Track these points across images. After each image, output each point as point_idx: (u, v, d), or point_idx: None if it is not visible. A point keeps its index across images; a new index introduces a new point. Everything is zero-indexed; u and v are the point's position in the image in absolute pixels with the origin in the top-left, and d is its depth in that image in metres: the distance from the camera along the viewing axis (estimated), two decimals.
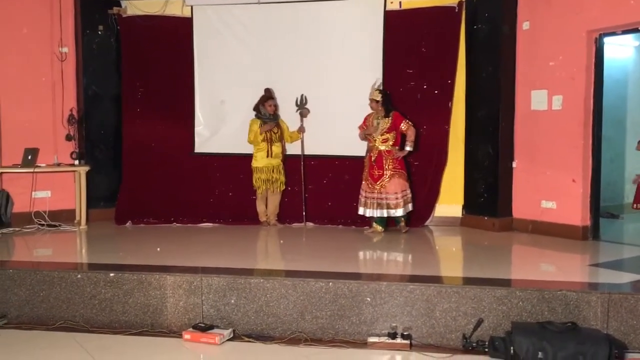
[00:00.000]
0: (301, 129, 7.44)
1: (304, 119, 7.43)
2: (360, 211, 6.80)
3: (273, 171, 7.21)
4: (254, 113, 7.24)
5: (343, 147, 7.42)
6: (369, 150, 6.78)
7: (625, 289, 4.23)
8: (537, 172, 6.61)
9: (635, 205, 7.01)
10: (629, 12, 5.72)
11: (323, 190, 7.50)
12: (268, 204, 7.33)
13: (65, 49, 7.61)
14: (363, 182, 6.80)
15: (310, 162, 7.57)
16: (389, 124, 6.63)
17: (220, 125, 7.76)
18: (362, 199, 6.77)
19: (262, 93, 7.37)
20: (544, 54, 6.51)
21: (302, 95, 7.39)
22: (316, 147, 7.53)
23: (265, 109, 7.12)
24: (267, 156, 7.14)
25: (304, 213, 7.43)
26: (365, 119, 6.82)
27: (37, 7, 7.44)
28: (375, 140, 6.65)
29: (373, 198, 6.65)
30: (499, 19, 6.86)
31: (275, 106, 7.23)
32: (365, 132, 6.75)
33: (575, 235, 6.19)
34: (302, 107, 7.42)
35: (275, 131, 7.21)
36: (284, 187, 7.37)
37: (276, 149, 7.21)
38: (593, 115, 6.18)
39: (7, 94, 7.30)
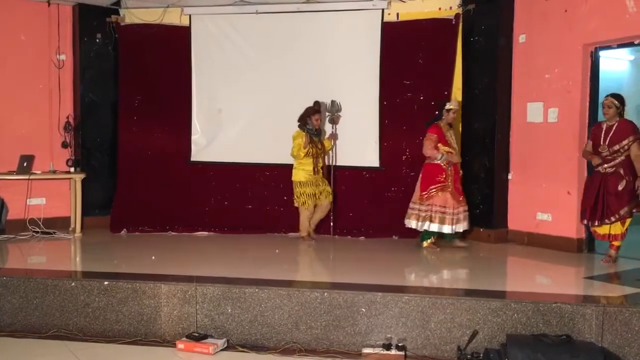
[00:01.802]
0: (332, 136, 7.27)
1: (336, 125, 7.28)
2: (437, 228, 6.31)
3: (318, 184, 6.95)
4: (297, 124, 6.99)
5: (339, 157, 7.43)
6: (447, 163, 6.35)
7: (620, 301, 4.23)
8: (533, 184, 6.63)
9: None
10: (624, 26, 5.76)
11: None
12: (315, 214, 7.04)
13: (62, 57, 7.62)
14: (440, 196, 6.29)
15: None
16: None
17: (217, 134, 7.76)
18: (440, 215, 6.28)
19: (261, 102, 7.39)
20: (540, 67, 6.55)
21: (333, 101, 7.23)
22: None
23: (312, 123, 6.87)
24: (314, 173, 6.88)
25: (331, 224, 7.31)
26: (438, 132, 6.39)
27: (35, 15, 7.45)
28: (454, 153, 6.37)
29: (457, 213, 6.30)
30: (496, 32, 6.90)
31: (321, 120, 7.04)
32: (446, 148, 6.31)
33: (571, 247, 6.20)
34: (334, 112, 7.23)
35: (320, 146, 7.00)
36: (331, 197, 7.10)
37: (320, 163, 6.99)
38: (588, 128, 6.20)
39: (4, 100, 7.29)
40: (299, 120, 6.91)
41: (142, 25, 7.68)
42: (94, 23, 7.67)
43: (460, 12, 7.14)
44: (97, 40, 7.71)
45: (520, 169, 6.81)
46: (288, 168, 7.50)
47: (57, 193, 7.50)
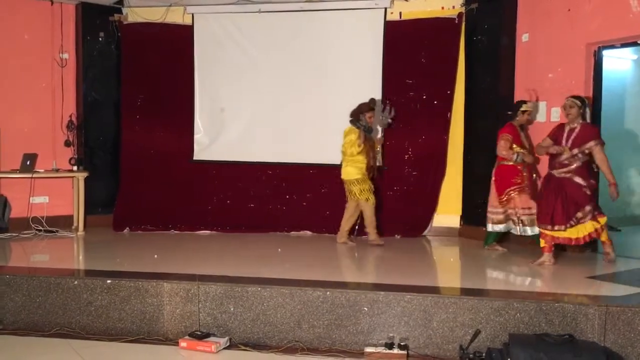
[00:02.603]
0: (379, 140, 7.04)
1: (383, 128, 7.10)
2: (519, 231, 6.07)
3: (368, 182, 6.63)
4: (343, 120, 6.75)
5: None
6: (524, 163, 6.08)
7: (623, 301, 4.22)
8: (536, 183, 6.61)
9: None
10: (627, 25, 5.74)
11: (322, 199, 7.49)
12: (347, 215, 6.73)
13: (65, 55, 7.64)
14: (521, 198, 6.01)
15: (309, 171, 7.57)
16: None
17: (219, 133, 7.77)
18: (528, 217, 5.99)
19: (263, 100, 7.39)
20: (543, 66, 6.53)
21: (385, 102, 7.08)
22: (314, 155, 7.53)
23: (366, 120, 6.59)
24: (368, 171, 6.61)
25: (356, 227, 7.01)
26: (513, 132, 6.11)
27: (39, 14, 7.47)
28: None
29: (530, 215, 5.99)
30: (499, 31, 6.90)
31: (374, 119, 6.76)
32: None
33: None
34: (385, 117, 7.04)
35: (372, 145, 6.76)
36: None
37: (370, 162, 6.71)
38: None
39: (7, 99, 7.31)
40: (351, 116, 6.62)
41: (145, 24, 7.70)
42: (96, 22, 7.69)
43: (463, 11, 7.15)
44: (100, 39, 7.73)
45: None
46: (290, 167, 7.53)
47: (60, 191, 7.52)
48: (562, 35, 6.33)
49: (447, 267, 6.17)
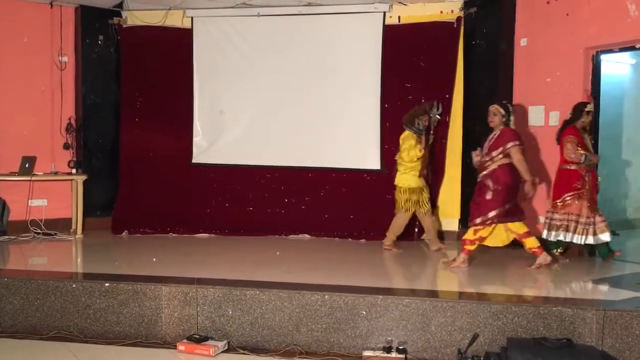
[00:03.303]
0: (429, 139, 6.75)
1: (433, 128, 6.85)
2: (570, 237, 5.84)
3: (423, 191, 6.53)
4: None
5: (341, 160, 7.44)
6: (588, 167, 5.84)
7: (620, 305, 4.23)
8: (535, 187, 6.61)
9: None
10: (626, 30, 5.76)
11: (320, 202, 7.50)
12: (428, 225, 6.59)
13: (65, 58, 7.64)
14: (577, 204, 5.79)
15: (308, 174, 7.58)
16: None
17: (218, 136, 7.77)
18: (574, 224, 5.81)
19: (262, 104, 7.39)
20: (542, 70, 6.55)
21: (434, 103, 6.79)
22: (313, 158, 7.54)
23: (422, 123, 6.43)
24: (420, 176, 6.45)
25: (416, 230, 7.05)
26: (577, 134, 5.88)
27: (38, 16, 7.48)
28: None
29: (591, 223, 5.78)
30: (497, 35, 6.92)
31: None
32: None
33: (572, 251, 6.19)
34: (434, 115, 6.79)
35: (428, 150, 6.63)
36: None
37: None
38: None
39: (6, 102, 7.31)
40: (406, 121, 6.44)
41: (144, 27, 7.71)
42: (96, 25, 7.70)
43: (462, 16, 7.16)
44: (99, 42, 7.74)
45: None
46: (288, 170, 7.53)
47: (59, 194, 7.51)
48: (560, 40, 6.35)
49: (446, 270, 6.17)
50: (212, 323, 4.42)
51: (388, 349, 4.10)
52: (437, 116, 6.82)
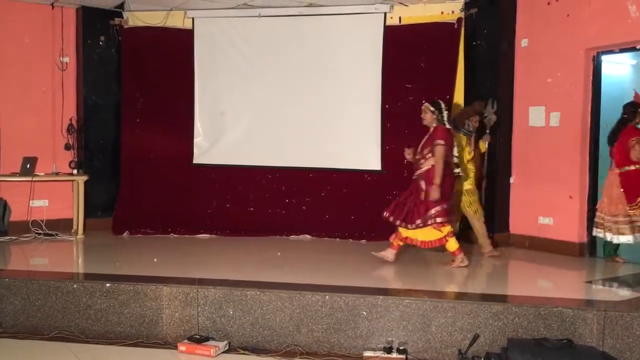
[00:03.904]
0: (487, 139, 6.56)
1: (490, 127, 6.64)
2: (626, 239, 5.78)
3: (476, 193, 6.32)
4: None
5: (342, 160, 7.45)
6: None
7: (621, 306, 4.23)
8: (535, 188, 6.63)
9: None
10: (626, 30, 5.77)
11: (321, 203, 7.51)
12: (476, 230, 6.33)
13: (66, 59, 7.66)
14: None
15: (309, 175, 7.58)
16: None
17: (219, 137, 7.78)
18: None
19: (262, 104, 7.39)
20: (542, 71, 6.56)
21: (488, 100, 6.62)
22: (314, 159, 7.55)
23: (472, 125, 6.24)
24: (474, 180, 6.25)
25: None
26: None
27: (39, 17, 7.49)
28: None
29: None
30: (498, 36, 6.92)
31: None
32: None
33: (572, 251, 6.20)
34: (490, 112, 6.61)
35: (479, 152, 6.44)
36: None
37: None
38: (590, 132, 6.22)
39: (7, 103, 7.32)
40: (455, 121, 6.20)
41: (145, 28, 7.72)
42: (97, 26, 7.70)
43: (463, 17, 7.16)
44: (101, 43, 7.74)
45: (522, 173, 6.81)
46: (289, 171, 7.53)
47: (60, 195, 7.52)
48: (561, 41, 6.35)
49: (446, 271, 6.16)
50: (213, 323, 4.42)
51: (389, 350, 4.11)
52: (493, 115, 6.61)
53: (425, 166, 5.48)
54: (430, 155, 5.45)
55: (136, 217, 7.50)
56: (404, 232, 5.60)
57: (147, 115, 7.75)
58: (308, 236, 7.39)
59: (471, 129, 6.21)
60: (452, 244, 5.53)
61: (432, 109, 5.54)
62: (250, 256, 6.18)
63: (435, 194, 5.33)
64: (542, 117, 6.57)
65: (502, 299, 4.47)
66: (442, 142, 5.40)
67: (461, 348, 4.06)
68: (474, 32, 7.14)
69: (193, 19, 7.74)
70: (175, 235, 7.38)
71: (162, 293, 4.49)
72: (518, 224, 6.84)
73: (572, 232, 6.26)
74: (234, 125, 7.75)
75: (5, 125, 7.30)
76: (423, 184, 5.46)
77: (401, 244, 5.70)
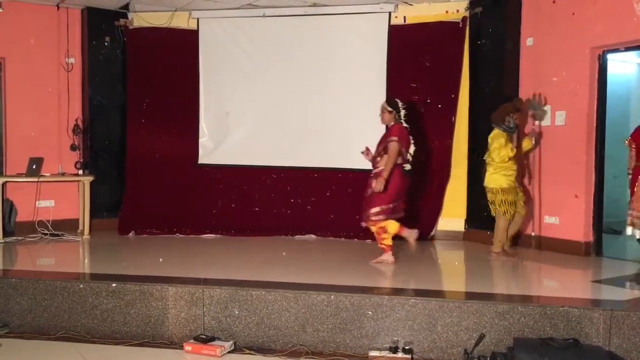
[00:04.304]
0: (534, 134, 6.36)
1: (539, 122, 6.47)
2: None
3: (517, 191, 6.13)
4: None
5: (347, 160, 7.43)
6: None
7: (628, 306, 4.22)
8: (540, 187, 6.61)
9: None
10: (632, 29, 5.74)
11: (326, 203, 7.51)
12: (512, 227, 6.17)
13: (71, 60, 7.68)
14: None
15: (314, 175, 7.59)
16: None
17: (224, 137, 7.79)
18: None
19: (267, 104, 7.39)
20: (547, 70, 6.53)
21: (535, 95, 6.45)
22: (319, 159, 7.55)
23: (513, 121, 6.04)
24: (515, 177, 6.09)
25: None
26: None
27: (45, 18, 7.52)
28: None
29: None
30: (503, 35, 6.91)
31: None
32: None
33: (578, 251, 6.18)
34: (538, 107, 6.43)
35: (520, 150, 6.24)
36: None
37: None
38: (596, 131, 6.20)
39: (13, 103, 7.36)
40: (495, 118, 6.10)
41: (150, 29, 7.74)
42: (102, 26, 7.73)
43: (468, 16, 7.16)
44: (106, 44, 7.77)
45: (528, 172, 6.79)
46: (294, 171, 7.53)
47: (66, 195, 7.55)
48: (566, 39, 6.33)
49: (452, 271, 6.17)
50: (218, 323, 4.43)
51: (394, 349, 4.10)
52: (543, 109, 6.42)
53: (381, 165, 5.54)
54: (384, 153, 5.53)
55: (142, 218, 7.51)
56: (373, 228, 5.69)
57: (152, 116, 7.77)
58: (313, 236, 7.40)
59: (512, 126, 6.03)
60: (389, 240, 5.63)
61: (389, 108, 5.62)
62: (255, 256, 6.18)
63: (379, 185, 5.41)
64: (547, 116, 6.55)
65: (508, 298, 4.46)
66: (396, 138, 5.47)
67: (467, 348, 4.05)
68: (478, 31, 7.13)
69: (198, 19, 7.75)
70: (180, 235, 7.40)
71: (167, 293, 4.50)
72: (523, 223, 6.80)
73: (578, 231, 6.24)
74: (239, 126, 7.76)
75: (12, 126, 7.34)
76: (374, 182, 5.53)
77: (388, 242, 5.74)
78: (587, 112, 6.19)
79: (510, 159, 5.97)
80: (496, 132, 6.07)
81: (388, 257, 5.65)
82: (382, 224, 5.56)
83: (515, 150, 5.98)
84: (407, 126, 5.67)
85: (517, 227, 6.23)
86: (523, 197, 6.20)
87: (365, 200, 5.65)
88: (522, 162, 6.47)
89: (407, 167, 5.66)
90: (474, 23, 7.15)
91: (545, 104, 6.47)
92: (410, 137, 5.67)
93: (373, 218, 5.54)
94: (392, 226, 5.59)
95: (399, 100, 5.70)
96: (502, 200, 6.03)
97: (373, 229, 5.64)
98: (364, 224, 5.70)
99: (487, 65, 7.06)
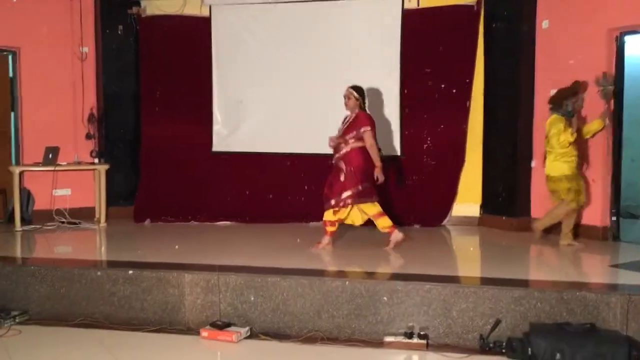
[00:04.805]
0: (606, 115, 6.02)
1: (608, 101, 6.08)
2: None
3: (579, 178, 5.90)
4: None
5: None
6: None
7: None
8: None
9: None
10: None
11: None
12: (567, 219, 5.92)
13: (85, 49, 7.70)
14: None
15: (328, 161, 7.54)
16: None
17: (238, 125, 7.80)
18: None
19: (280, 91, 7.37)
20: (564, 53, 6.44)
21: (604, 73, 6.05)
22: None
23: (572, 105, 5.81)
24: (576, 163, 5.86)
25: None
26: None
27: (58, 7, 7.54)
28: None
29: None
30: (518, 18, 6.81)
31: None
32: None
33: (595, 235, 6.13)
34: (606, 86, 6.03)
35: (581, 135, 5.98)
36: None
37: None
38: (613, 114, 6.11)
39: (29, 93, 7.41)
40: (552, 103, 5.91)
41: (162, 17, 7.74)
42: (115, 15, 7.75)
43: None
44: (119, 32, 7.79)
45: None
46: (309, 157, 7.51)
47: (82, 184, 7.61)
48: (583, 21, 6.23)
49: (467, 256, 6.15)
50: (234, 310, 4.46)
51: (410, 335, 4.11)
52: (610, 86, 6.05)
53: (345, 150, 5.62)
54: (352, 140, 5.58)
55: (157, 205, 7.57)
56: (327, 216, 5.75)
57: (166, 104, 7.79)
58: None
59: (569, 110, 5.81)
60: (384, 221, 5.64)
61: (356, 95, 5.68)
62: (270, 243, 6.20)
63: (381, 176, 5.51)
64: None
65: (524, 283, 4.43)
66: (368, 128, 5.56)
67: (483, 333, 4.04)
68: (493, 14, 7.04)
69: (210, 6, 7.73)
70: (195, 223, 7.45)
71: (184, 280, 4.54)
72: (540, 208, 6.74)
73: (595, 216, 6.18)
74: (253, 113, 7.76)
75: (27, 116, 7.40)
76: (343, 166, 5.60)
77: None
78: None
79: (570, 144, 5.73)
80: (554, 117, 5.85)
81: (396, 236, 5.68)
82: (347, 209, 5.63)
83: (575, 134, 5.72)
84: (369, 113, 5.78)
85: (573, 219, 5.95)
86: (583, 184, 5.95)
87: (330, 184, 5.70)
88: (582, 147, 6.12)
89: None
90: (489, 6, 7.05)
91: (610, 82, 6.06)
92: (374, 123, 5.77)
93: (342, 203, 5.59)
94: (369, 208, 5.62)
95: (363, 88, 5.78)
96: (568, 188, 5.77)
97: (329, 214, 5.69)
98: (328, 206, 5.69)
99: (502, 49, 6.97)
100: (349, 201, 5.57)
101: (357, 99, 5.67)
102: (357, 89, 5.71)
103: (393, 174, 7.33)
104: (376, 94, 7.32)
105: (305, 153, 7.56)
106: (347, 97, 5.71)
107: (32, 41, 7.40)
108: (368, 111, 5.78)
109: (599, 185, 6.15)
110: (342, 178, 5.58)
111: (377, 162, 5.52)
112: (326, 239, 5.76)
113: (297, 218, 7.45)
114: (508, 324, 4.06)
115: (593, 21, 6.13)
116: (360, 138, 5.56)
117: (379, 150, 5.68)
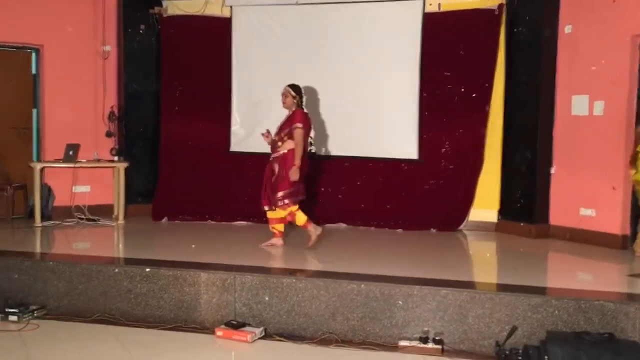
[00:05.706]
0: None
1: None
2: None
3: None
4: None
5: (378, 149, 7.40)
6: None
7: None
8: (577, 178, 6.48)
9: None
10: None
11: (357, 192, 7.48)
12: None
13: (108, 48, 7.79)
14: None
15: (344, 164, 7.57)
16: None
17: (256, 125, 7.80)
18: None
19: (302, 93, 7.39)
20: (586, 59, 6.38)
21: None
22: (350, 148, 7.52)
23: None
24: None
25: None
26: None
27: (81, 6, 7.64)
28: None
29: None
30: (540, 22, 6.75)
31: None
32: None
33: (615, 244, 6.05)
34: None
35: None
36: None
37: None
38: (635, 122, 6.03)
39: (51, 91, 7.51)
40: None
41: (184, 17, 7.79)
42: (137, 14, 7.81)
43: (504, 2, 7.02)
44: (141, 32, 7.85)
45: (564, 163, 6.66)
46: (325, 159, 7.51)
47: (101, 181, 7.69)
48: (606, 27, 6.17)
49: (484, 262, 6.10)
50: (249, 310, 4.47)
51: (425, 340, 4.09)
52: None
53: (282, 149, 5.71)
54: (287, 138, 5.66)
55: (175, 204, 7.61)
56: (269, 214, 5.87)
57: (186, 104, 7.84)
58: (343, 225, 7.39)
59: None
60: (300, 219, 5.74)
61: (292, 93, 5.77)
62: (285, 244, 6.20)
63: (294, 175, 5.57)
64: (585, 105, 6.40)
65: (541, 291, 4.39)
66: (300, 125, 5.62)
67: (499, 340, 4.01)
68: (515, 19, 6.99)
69: (231, 7, 7.77)
70: (212, 222, 7.48)
71: (200, 279, 4.56)
72: (558, 215, 6.70)
73: (615, 224, 6.11)
74: (271, 114, 7.73)
75: (49, 113, 7.51)
76: (276, 167, 5.70)
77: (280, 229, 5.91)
78: (626, 101, 6.03)
79: None
80: None
81: (277, 241, 5.86)
82: (293, 208, 5.69)
83: None
84: (307, 111, 5.84)
85: None
86: None
87: (269, 185, 5.77)
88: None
89: (313, 149, 5.97)
90: (511, 10, 7.01)
91: None
92: (311, 122, 5.86)
93: (280, 203, 5.67)
94: (300, 218, 5.72)
95: (300, 86, 5.85)
96: None
97: (283, 213, 5.74)
98: (267, 208, 5.80)
99: (524, 54, 6.91)
100: (287, 201, 5.66)
101: (293, 97, 5.76)
102: (294, 87, 5.80)
103: (411, 178, 7.28)
104: (395, 95, 7.31)
105: (322, 155, 7.57)
106: (284, 95, 5.80)
107: (56, 39, 7.50)
108: (306, 110, 5.86)
109: (619, 192, 6.07)
110: (273, 180, 5.71)
111: (297, 161, 5.58)
112: (274, 240, 5.89)
113: (312, 219, 7.38)
114: (524, 332, 4.03)
115: (616, 27, 6.06)
116: (287, 138, 5.66)
117: (311, 150, 5.91)
